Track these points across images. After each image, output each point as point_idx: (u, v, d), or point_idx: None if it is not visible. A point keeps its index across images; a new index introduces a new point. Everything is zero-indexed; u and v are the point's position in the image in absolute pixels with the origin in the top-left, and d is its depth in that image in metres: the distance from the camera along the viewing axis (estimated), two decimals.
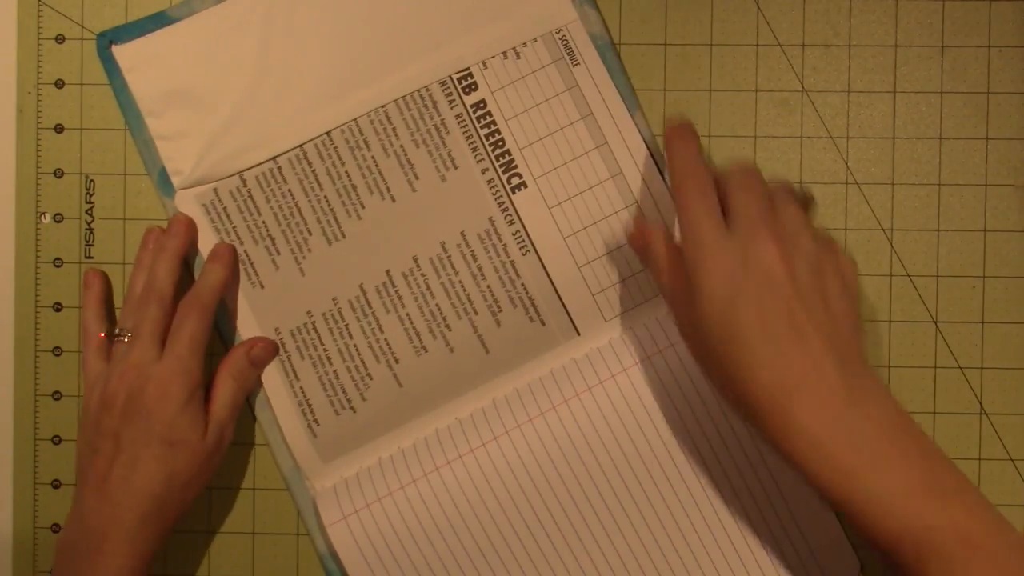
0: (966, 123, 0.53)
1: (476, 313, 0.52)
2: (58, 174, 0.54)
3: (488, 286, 0.52)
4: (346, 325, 0.52)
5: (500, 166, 0.52)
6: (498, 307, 0.52)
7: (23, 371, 0.54)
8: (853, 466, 0.41)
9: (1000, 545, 0.40)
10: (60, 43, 0.54)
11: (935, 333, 0.53)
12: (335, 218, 0.52)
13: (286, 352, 0.52)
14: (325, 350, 0.52)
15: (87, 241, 0.54)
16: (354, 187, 0.52)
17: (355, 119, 0.52)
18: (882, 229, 0.53)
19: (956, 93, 0.53)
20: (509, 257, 0.51)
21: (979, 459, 0.53)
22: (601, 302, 0.52)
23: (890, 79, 0.53)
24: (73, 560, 0.47)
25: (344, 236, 0.52)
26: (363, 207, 0.52)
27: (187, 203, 0.53)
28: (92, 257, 0.54)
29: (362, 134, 0.52)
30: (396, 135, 0.52)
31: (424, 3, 0.52)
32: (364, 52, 0.52)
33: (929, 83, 0.53)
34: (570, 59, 0.52)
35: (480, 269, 0.52)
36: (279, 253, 0.52)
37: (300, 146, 0.52)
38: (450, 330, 0.52)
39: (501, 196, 0.51)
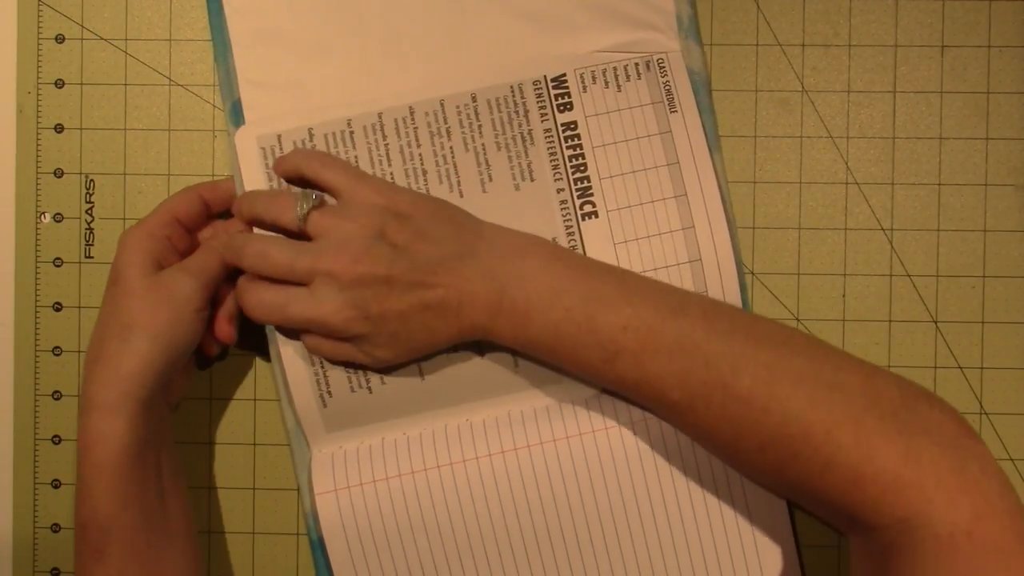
0: (966, 123, 0.53)
1: None
2: (58, 174, 0.54)
3: None
4: None
5: (576, 190, 0.51)
6: None
7: (23, 371, 0.54)
8: (527, 310, 0.46)
9: (666, 320, 0.45)
10: (60, 43, 0.54)
11: (935, 333, 0.53)
12: None
13: None
14: None
15: (87, 241, 0.54)
16: (425, 171, 0.51)
17: (441, 101, 0.51)
18: (882, 229, 0.53)
19: (956, 93, 0.53)
20: None
21: None
22: None
23: (890, 79, 0.53)
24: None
25: None
26: (429, 193, 0.51)
27: (246, 140, 0.51)
28: (92, 257, 0.54)
29: (446, 122, 0.51)
30: (480, 133, 0.51)
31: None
32: (463, 28, 0.52)
33: (929, 83, 0.53)
34: (669, 105, 0.51)
35: None
36: None
37: (379, 115, 0.51)
38: None
39: (570, 220, 0.51)
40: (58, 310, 0.54)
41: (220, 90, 0.53)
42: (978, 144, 0.53)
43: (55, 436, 0.54)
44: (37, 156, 0.54)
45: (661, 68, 0.52)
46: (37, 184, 0.54)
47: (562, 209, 0.51)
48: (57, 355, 0.54)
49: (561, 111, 0.51)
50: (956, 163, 0.53)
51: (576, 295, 0.45)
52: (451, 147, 0.51)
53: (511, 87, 0.51)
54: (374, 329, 0.46)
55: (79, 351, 0.54)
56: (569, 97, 0.51)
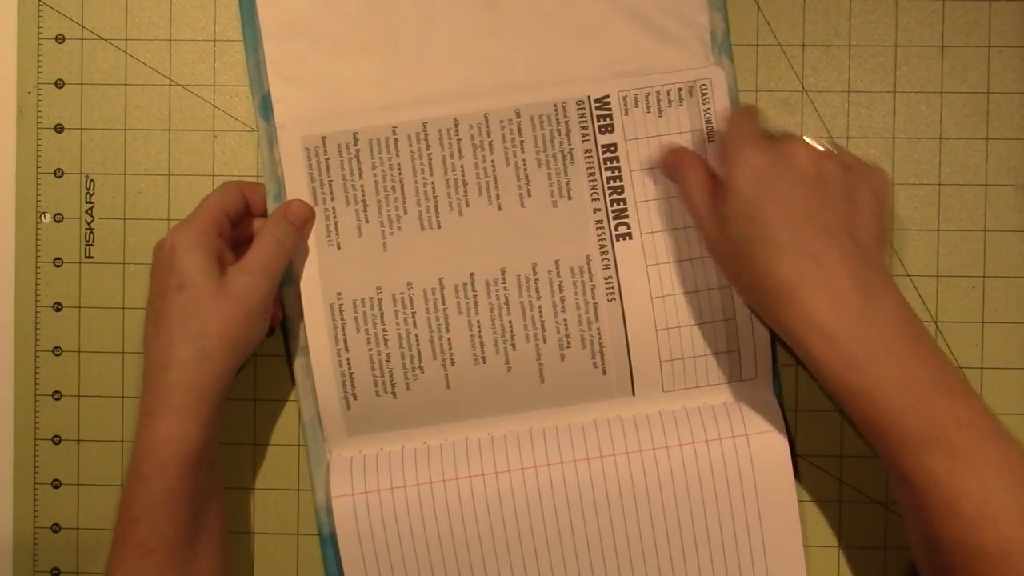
0: (966, 123, 0.53)
1: (544, 342, 0.51)
2: (58, 174, 0.54)
3: (565, 319, 0.51)
4: (413, 313, 0.51)
5: (612, 211, 0.51)
6: (567, 343, 0.51)
7: (23, 371, 0.54)
8: (862, 358, 0.42)
9: (1001, 439, 0.41)
10: (60, 43, 0.54)
11: (935, 333, 0.53)
12: (436, 206, 0.51)
13: (342, 319, 0.51)
14: (384, 330, 0.51)
15: (87, 241, 0.54)
16: (465, 182, 0.51)
17: (486, 115, 0.52)
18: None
19: (956, 93, 0.53)
20: (594, 299, 0.51)
21: None
22: (665, 371, 0.51)
23: (890, 79, 0.53)
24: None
25: (440, 226, 0.51)
26: (467, 205, 0.51)
27: (290, 141, 0.52)
28: (92, 257, 0.54)
29: (489, 136, 0.52)
30: (522, 149, 0.52)
31: (575, 16, 0.52)
32: (497, 29, 0.52)
33: (929, 83, 0.53)
34: (708, 134, 0.51)
35: (562, 301, 0.51)
36: (367, 221, 0.51)
37: (424, 124, 0.52)
38: (514, 350, 0.51)
39: (604, 239, 0.51)
40: (58, 310, 0.54)
41: (250, 84, 0.53)
42: (978, 144, 0.53)
43: (55, 436, 0.54)
44: (37, 156, 0.54)
45: (704, 94, 0.52)
46: (37, 184, 0.54)
47: (597, 228, 0.51)
48: (57, 355, 0.54)
49: (603, 132, 0.52)
50: (956, 163, 0.53)
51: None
52: (492, 160, 0.52)
53: (555, 105, 0.52)
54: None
55: (79, 351, 0.54)
56: (611, 119, 0.52)
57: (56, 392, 0.54)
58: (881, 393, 0.42)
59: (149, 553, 0.46)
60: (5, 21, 0.54)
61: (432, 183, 0.52)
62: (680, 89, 0.52)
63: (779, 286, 0.43)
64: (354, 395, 0.51)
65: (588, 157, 0.52)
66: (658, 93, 0.52)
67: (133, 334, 0.54)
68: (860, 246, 0.44)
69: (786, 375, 0.53)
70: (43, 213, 0.54)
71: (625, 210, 0.51)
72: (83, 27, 0.54)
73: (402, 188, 0.52)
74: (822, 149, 0.46)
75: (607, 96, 0.52)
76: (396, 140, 0.52)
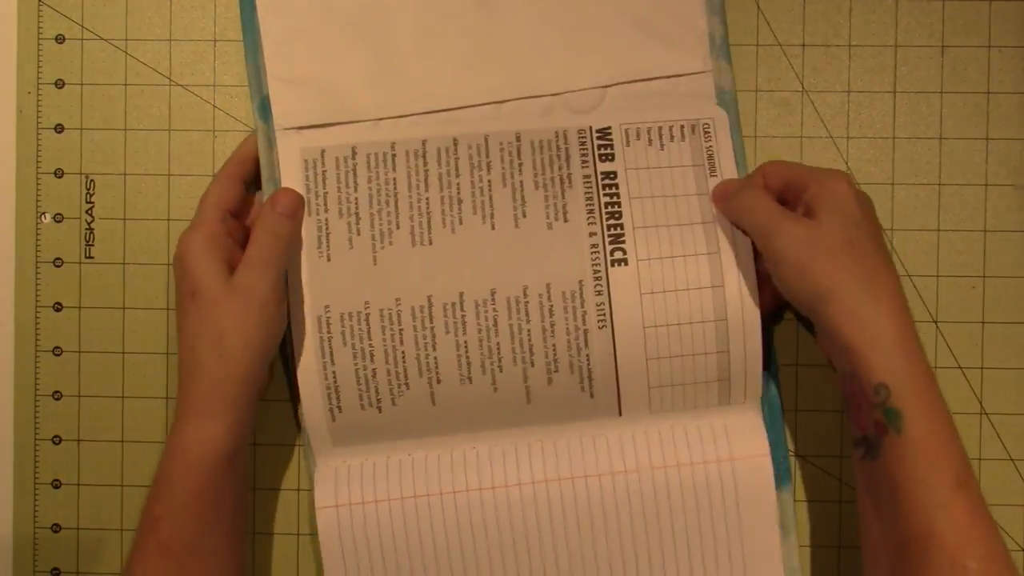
0: (966, 123, 0.53)
1: (532, 365, 0.50)
2: (58, 174, 0.54)
3: (554, 345, 0.50)
4: (401, 329, 0.51)
5: (609, 236, 0.51)
6: (555, 367, 0.50)
7: (23, 371, 0.54)
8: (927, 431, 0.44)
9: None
10: (60, 43, 0.54)
11: (935, 333, 0.53)
12: (429, 222, 0.51)
13: (329, 332, 0.51)
14: (371, 345, 0.51)
15: (87, 241, 0.54)
16: (460, 200, 0.51)
17: (486, 136, 0.52)
18: (882, 229, 0.53)
19: (956, 93, 0.53)
20: (585, 325, 0.50)
21: (979, 459, 0.53)
22: (654, 396, 0.51)
23: (890, 79, 0.53)
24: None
25: (431, 243, 0.51)
26: (461, 223, 0.51)
27: (289, 150, 0.52)
28: (92, 257, 0.54)
29: (488, 156, 0.51)
30: (520, 171, 0.51)
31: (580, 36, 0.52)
32: (496, 36, 0.52)
33: (929, 83, 0.53)
34: (709, 169, 0.51)
35: (552, 326, 0.50)
36: (359, 233, 0.51)
37: (423, 142, 0.52)
38: (501, 371, 0.51)
39: (599, 265, 0.50)
40: (58, 310, 0.54)
41: (249, 86, 0.53)
42: (978, 144, 0.53)
43: (55, 436, 0.54)
44: (37, 156, 0.54)
45: (707, 133, 0.52)
46: (37, 184, 0.54)
47: (592, 253, 0.50)
48: (57, 355, 0.54)
49: (603, 160, 0.51)
50: (956, 163, 0.53)
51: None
52: (489, 180, 0.51)
53: (556, 132, 0.52)
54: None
55: (79, 351, 0.54)
56: (612, 149, 0.51)
57: (56, 392, 0.54)
58: (927, 423, 0.44)
59: (169, 553, 0.46)
60: (5, 21, 0.54)
61: (427, 199, 0.51)
62: (683, 127, 0.52)
63: (888, 287, 0.45)
64: (339, 407, 0.51)
65: (587, 182, 0.51)
66: (660, 129, 0.52)
67: (133, 334, 0.54)
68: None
69: (786, 375, 0.53)
70: (43, 213, 0.54)
71: (622, 235, 0.51)
72: (83, 27, 0.54)
73: (396, 202, 0.51)
74: None
75: (608, 128, 0.52)
76: (394, 156, 0.52)
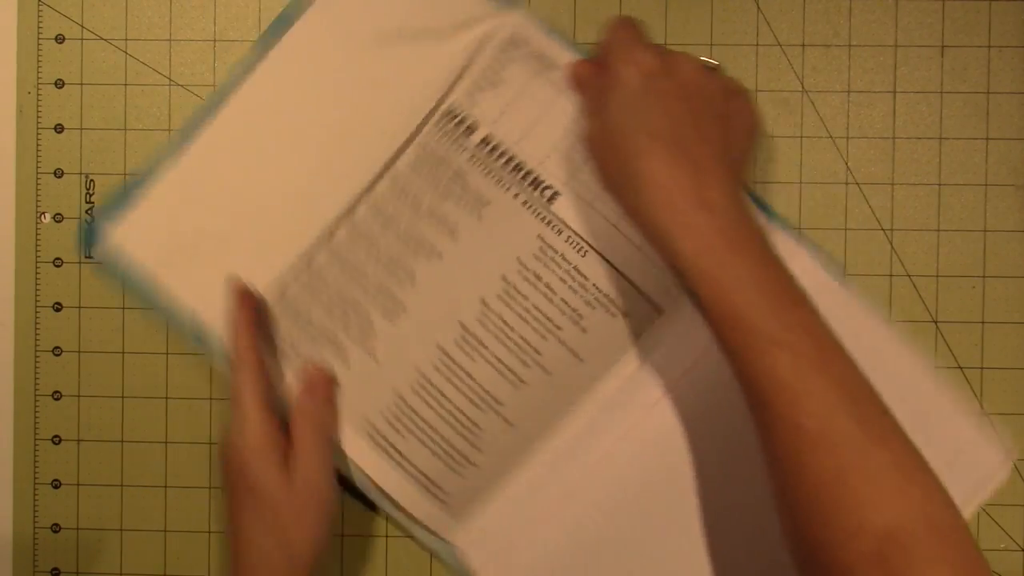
0: (966, 123, 0.53)
1: (560, 328, 0.51)
2: (58, 174, 0.54)
3: (562, 299, 0.51)
4: (438, 390, 0.51)
5: (528, 185, 0.51)
6: (578, 315, 0.51)
7: (23, 371, 0.54)
8: (721, 247, 0.43)
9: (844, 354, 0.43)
10: (60, 43, 0.54)
11: (935, 333, 0.53)
12: (390, 293, 0.51)
13: (383, 439, 0.52)
14: (425, 421, 0.51)
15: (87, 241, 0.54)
16: (396, 259, 0.51)
17: (374, 200, 0.52)
18: (882, 229, 0.53)
19: (956, 93, 0.53)
20: (570, 264, 0.51)
21: None
22: (670, 274, 0.51)
23: (890, 79, 0.53)
24: None
25: (405, 308, 0.51)
26: (413, 276, 0.51)
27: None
28: (92, 257, 0.54)
29: (390, 210, 0.52)
30: (421, 199, 0.51)
31: (389, 78, 0.52)
32: (350, 141, 0.52)
33: (929, 83, 0.53)
34: (548, 68, 0.51)
35: (548, 286, 0.51)
36: (343, 346, 0.52)
37: (327, 243, 0.52)
38: (540, 354, 0.51)
39: (540, 212, 0.51)
40: (58, 310, 0.54)
41: (183, 332, 0.52)
42: (978, 144, 0.53)
43: (55, 436, 0.54)
44: (37, 156, 0.54)
45: (518, 42, 0.52)
46: (37, 184, 0.54)
47: (528, 208, 0.51)
48: (57, 355, 0.54)
49: (469, 134, 0.51)
50: (956, 163, 0.53)
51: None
52: (403, 227, 0.52)
53: (422, 148, 0.52)
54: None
55: (79, 351, 0.54)
56: (468, 119, 0.51)
57: (56, 392, 0.54)
58: (735, 282, 0.42)
59: None
60: (5, 21, 0.54)
61: (370, 276, 0.52)
62: (500, 52, 0.52)
63: (651, 172, 0.44)
64: (439, 487, 0.52)
65: (474, 161, 0.51)
66: (485, 70, 0.52)
67: (133, 334, 0.54)
68: (732, 159, 0.45)
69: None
70: (43, 213, 0.54)
71: (537, 176, 0.51)
72: (83, 27, 0.54)
73: (351, 301, 0.52)
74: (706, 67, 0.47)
75: (454, 104, 0.52)
76: (313, 269, 0.52)
